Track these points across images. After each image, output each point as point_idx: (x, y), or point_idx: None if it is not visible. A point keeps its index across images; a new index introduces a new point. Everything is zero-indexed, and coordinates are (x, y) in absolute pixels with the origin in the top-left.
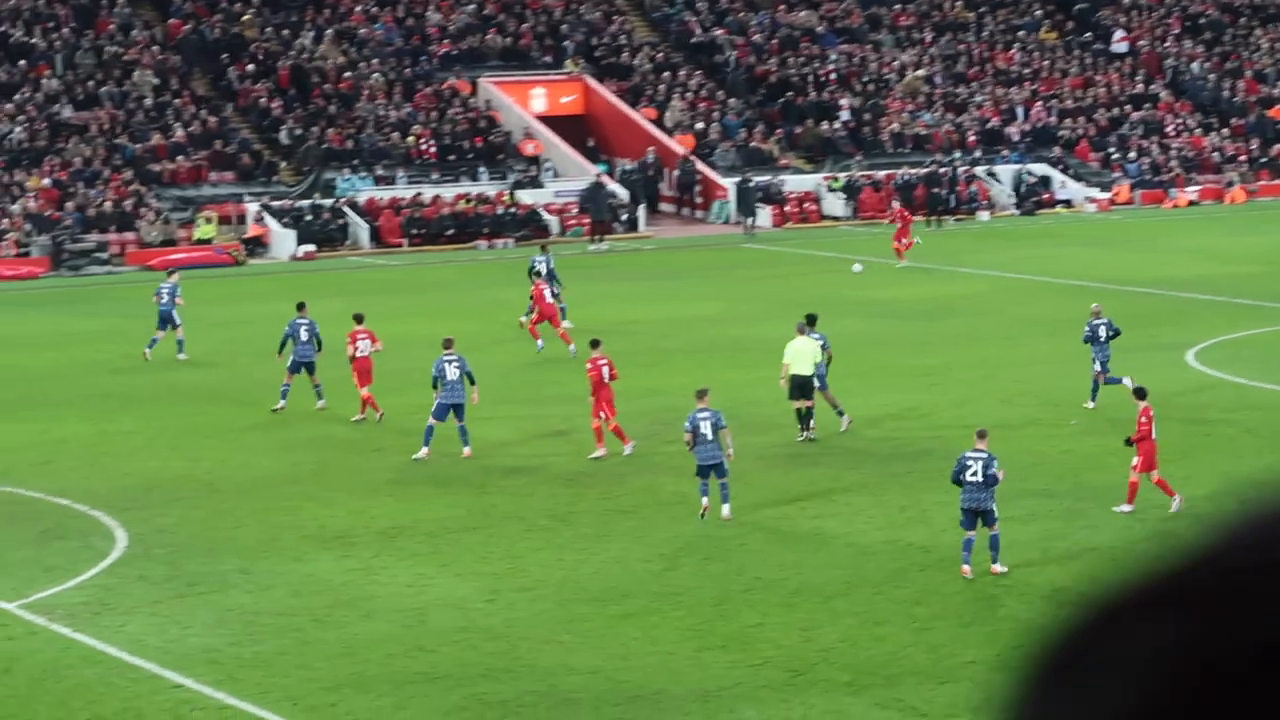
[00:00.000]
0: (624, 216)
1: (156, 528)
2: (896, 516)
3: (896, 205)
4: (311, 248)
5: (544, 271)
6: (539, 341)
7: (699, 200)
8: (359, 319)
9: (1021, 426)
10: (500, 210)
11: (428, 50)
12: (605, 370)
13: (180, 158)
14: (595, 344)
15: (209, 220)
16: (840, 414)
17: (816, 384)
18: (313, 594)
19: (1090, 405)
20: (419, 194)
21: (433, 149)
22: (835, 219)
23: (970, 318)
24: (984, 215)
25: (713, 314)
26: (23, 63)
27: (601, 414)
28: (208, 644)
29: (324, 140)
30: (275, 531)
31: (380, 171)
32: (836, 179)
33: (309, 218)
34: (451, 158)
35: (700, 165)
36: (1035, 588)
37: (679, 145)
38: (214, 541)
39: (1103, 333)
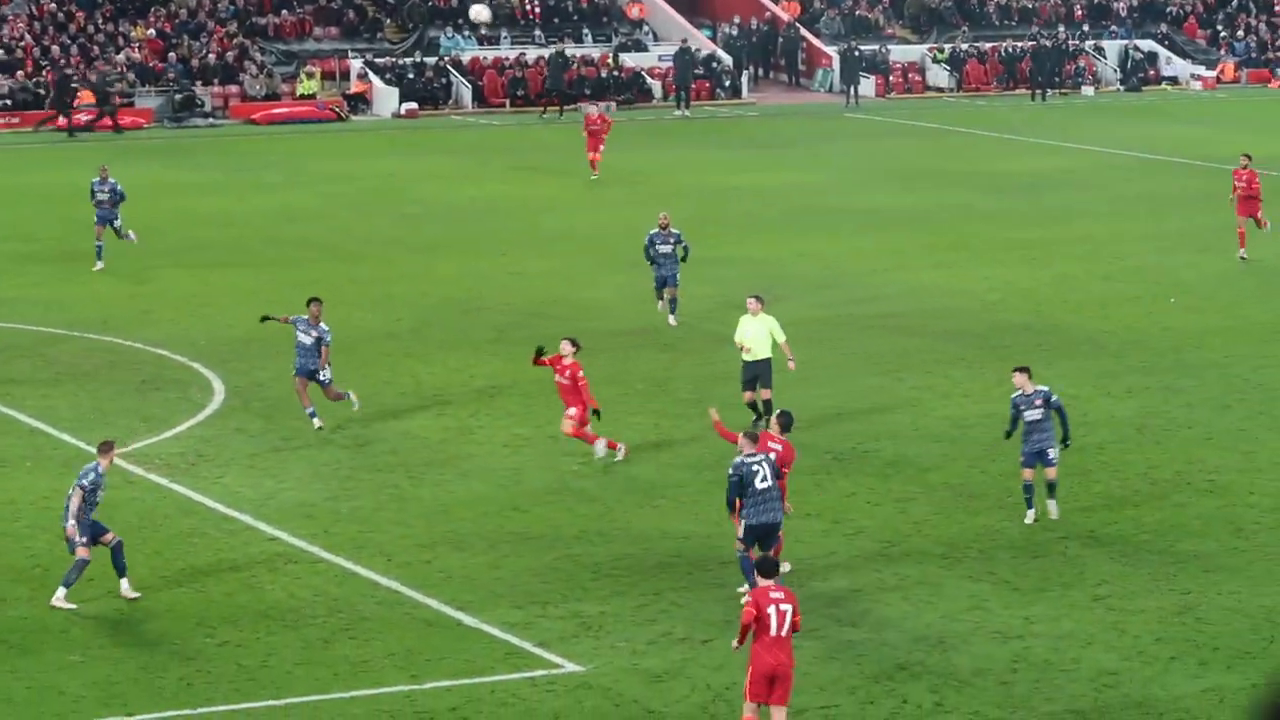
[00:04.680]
0: (726, 83)
1: (254, 381)
2: (994, 390)
3: (594, 111)
4: (414, 105)
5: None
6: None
7: (803, 68)
8: None
9: (1122, 303)
10: (603, 73)
11: None
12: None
13: (285, 12)
14: (577, 346)
15: (312, 75)
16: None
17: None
18: (409, 451)
19: None
20: (522, 54)
21: (537, 9)
22: (939, 90)
23: (1073, 193)
24: (1089, 90)
25: (813, 182)
26: None
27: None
28: (303, 498)
29: None
30: (374, 387)
31: (484, 31)
32: (942, 50)
33: (412, 75)
34: (556, 19)
35: (805, 32)
36: (1130, 464)
37: (785, 11)
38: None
39: None
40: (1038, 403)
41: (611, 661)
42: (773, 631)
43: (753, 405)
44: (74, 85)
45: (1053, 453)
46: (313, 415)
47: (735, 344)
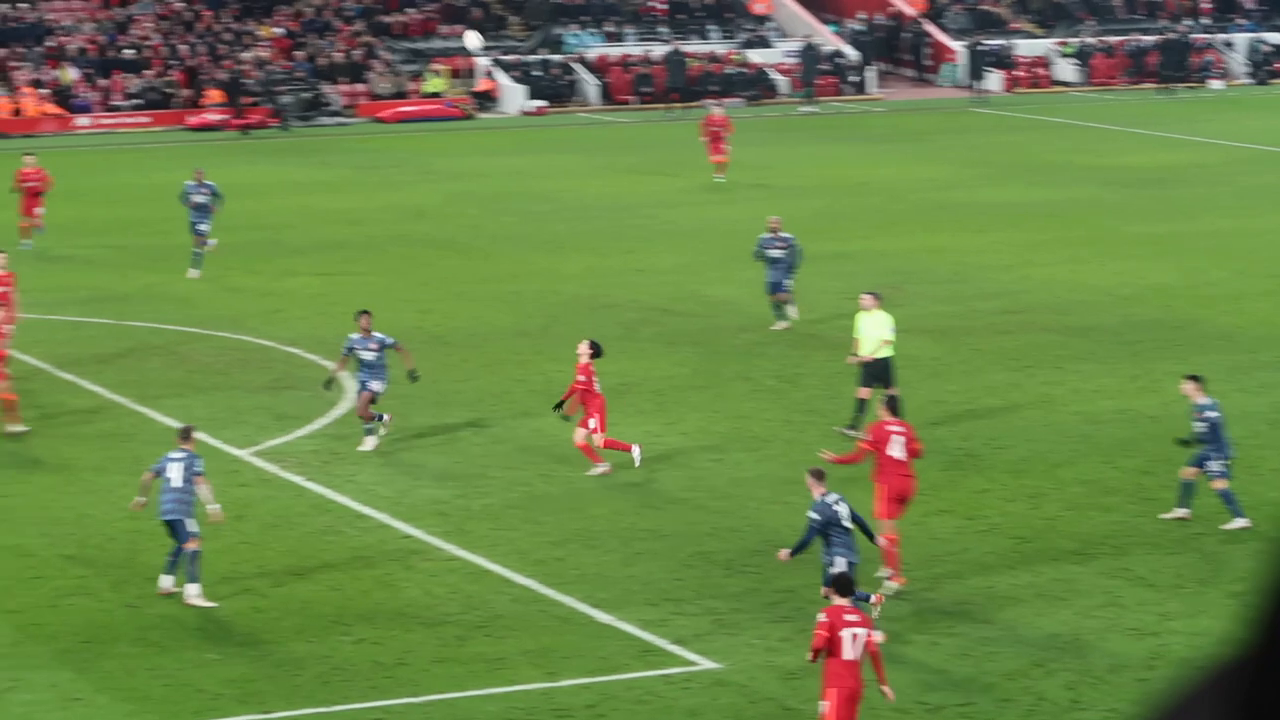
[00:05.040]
0: (852, 78)
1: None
2: (1127, 385)
3: (716, 112)
4: (541, 103)
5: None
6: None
7: (928, 63)
8: None
9: (1254, 298)
10: (729, 69)
11: None
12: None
13: (411, 10)
14: (596, 350)
15: (439, 73)
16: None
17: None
18: (539, 449)
19: None
20: (648, 51)
21: (663, 6)
22: (1066, 85)
23: (1202, 187)
24: (1217, 84)
25: (940, 178)
26: None
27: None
28: (436, 496)
29: None
30: (504, 385)
31: (610, 28)
32: (1068, 44)
33: (538, 73)
34: (681, 16)
35: (931, 27)
36: (1264, 459)
37: (910, 6)
38: (443, 394)
39: None
40: (1208, 414)
41: (747, 659)
42: (846, 655)
43: (860, 403)
44: (244, 84)
45: (1214, 466)
46: (381, 417)
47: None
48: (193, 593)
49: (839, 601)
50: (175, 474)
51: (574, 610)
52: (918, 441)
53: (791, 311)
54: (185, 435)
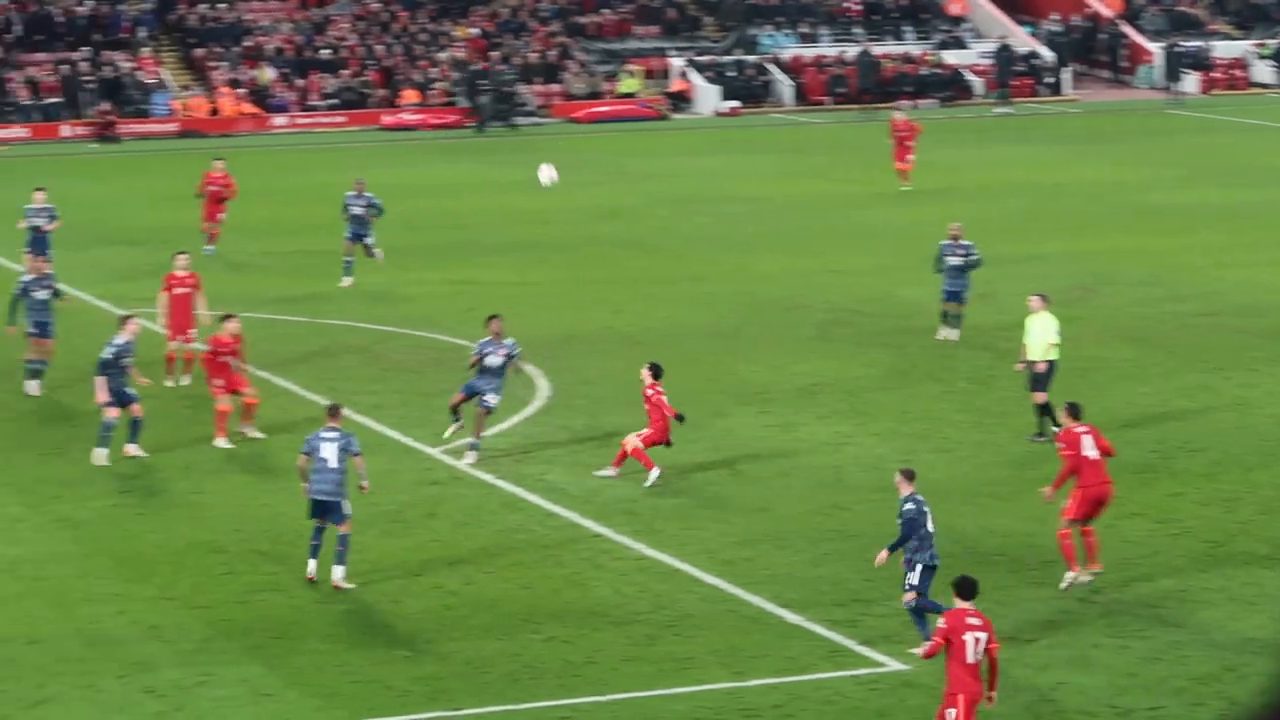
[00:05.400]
0: (1047, 79)
1: (579, 378)
2: None
3: (900, 116)
4: (735, 103)
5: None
6: None
7: (1124, 64)
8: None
9: None
10: (924, 70)
11: None
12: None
13: (606, 10)
14: (656, 372)
15: (633, 74)
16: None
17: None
18: (730, 449)
19: None
20: (842, 52)
21: (857, 6)
22: (1264, 86)
23: None
24: None
25: (1136, 179)
26: None
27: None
28: (626, 494)
29: None
30: (695, 385)
31: (804, 29)
32: (1266, 46)
33: (733, 73)
34: (876, 17)
35: (1127, 29)
36: None
37: (1106, 8)
38: (634, 394)
39: None
40: None
41: (935, 660)
42: (968, 658)
43: (1041, 407)
44: (480, 83)
45: None
46: (458, 422)
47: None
48: (339, 575)
49: (961, 605)
50: (330, 454)
51: (762, 610)
52: (1105, 439)
53: (954, 333)
54: (333, 413)
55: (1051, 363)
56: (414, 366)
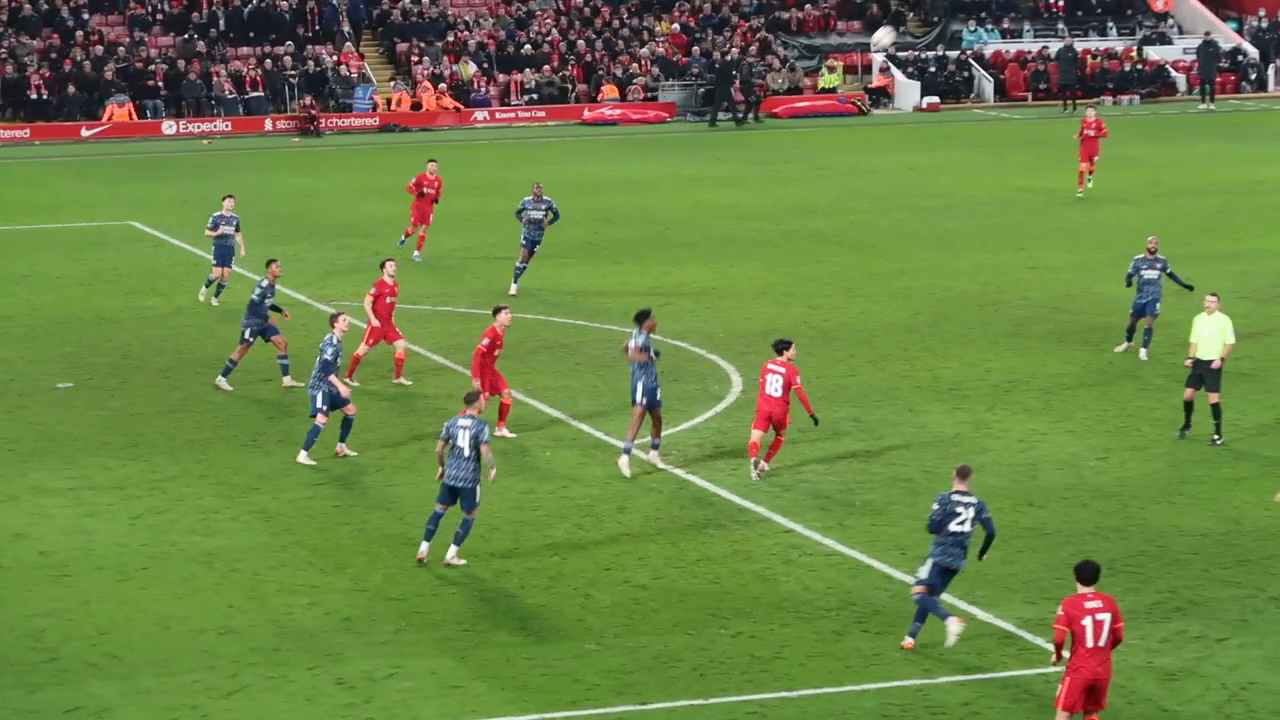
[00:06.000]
0: (1252, 75)
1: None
2: None
3: (1091, 115)
4: (935, 99)
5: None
6: None
7: None
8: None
9: None
10: (1127, 66)
11: None
12: (779, 380)
13: (808, 6)
14: (783, 346)
15: (834, 69)
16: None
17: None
18: (923, 445)
19: None
20: (1044, 47)
21: (1061, 2)
22: None
23: None
24: None
25: None
26: None
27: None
28: (817, 490)
29: None
30: (890, 381)
31: (1007, 24)
32: None
33: (934, 69)
34: (1079, 12)
35: None
36: None
37: None
38: (829, 389)
39: None
40: None
41: (1125, 659)
42: (1089, 643)
43: (1189, 405)
44: (732, 76)
45: None
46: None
47: (1192, 342)
48: (453, 554)
49: (1081, 589)
50: (465, 442)
51: (952, 607)
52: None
53: (1144, 351)
54: (470, 400)
55: (1220, 364)
56: (608, 361)
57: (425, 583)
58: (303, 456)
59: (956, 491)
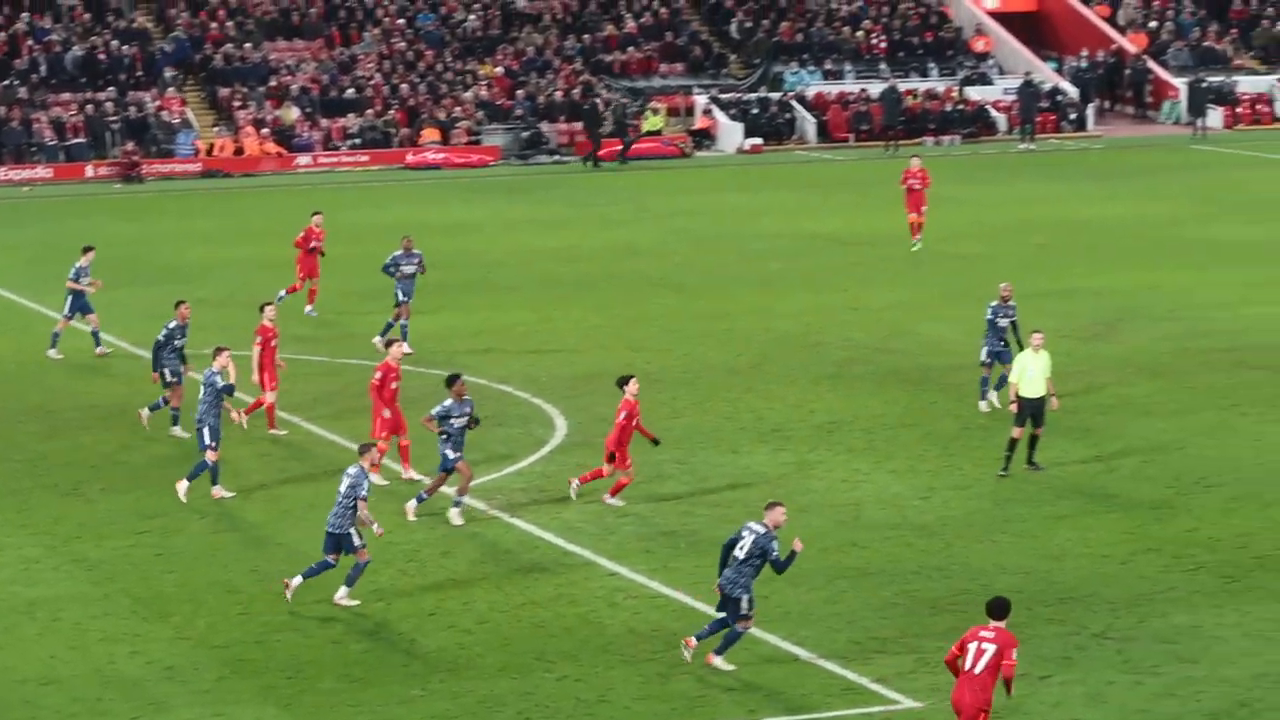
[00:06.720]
0: (1071, 115)
1: (596, 416)
2: None
3: (915, 164)
4: (758, 141)
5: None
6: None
7: (1149, 100)
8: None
9: None
10: (948, 106)
11: None
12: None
13: (631, 49)
14: (624, 381)
15: (657, 112)
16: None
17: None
18: (747, 486)
19: None
20: (865, 89)
21: (883, 44)
22: None
23: None
24: None
25: (1159, 215)
26: None
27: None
28: (642, 532)
29: (774, 33)
30: (713, 422)
31: (829, 66)
32: None
33: (756, 111)
34: (901, 54)
35: (1152, 64)
36: None
37: (1131, 43)
38: (653, 431)
39: None
40: None
41: (950, 698)
42: (965, 666)
43: (1014, 443)
44: (602, 116)
45: None
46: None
47: (1011, 381)
48: (342, 594)
49: (990, 622)
50: (341, 488)
51: (777, 648)
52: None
53: (993, 396)
54: (362, 450)
55: (1043, 399)
56: (432, 405)
57: (249, 630)
58: (181, 488)
59: (754, 522)
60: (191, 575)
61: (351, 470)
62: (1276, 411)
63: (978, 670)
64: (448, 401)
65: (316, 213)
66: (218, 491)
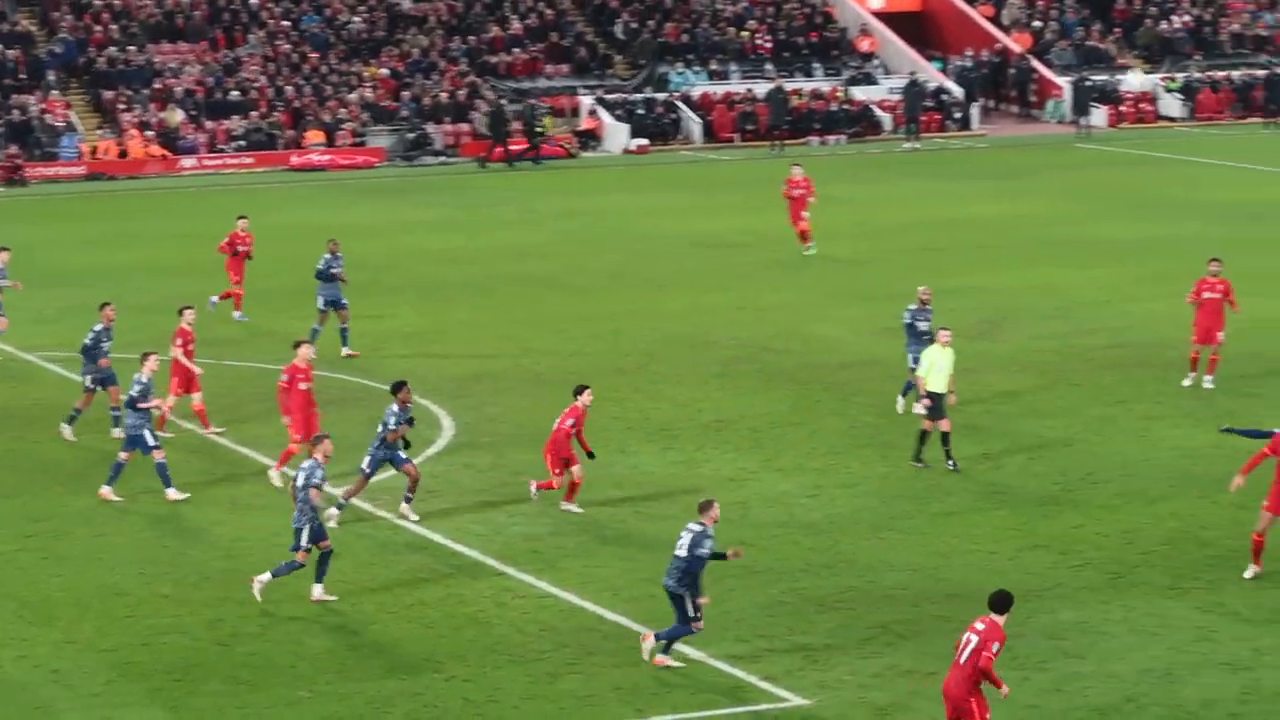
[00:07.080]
0: (956, 114)
1: (484, 416)
2: (1225, 421)
3: (798, 173)
4: (644, 141)
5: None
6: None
7: (1034, 99)
8: None
9: None
10: (833, 106)
11: None
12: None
13: (516, 50)
14: (580, 391)
15: (548, 114)
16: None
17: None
18: (635, 485)
19: None
20: (750, 89)
21: (768, 44)
22: (1171, 120)
23: None
24: None
25: (1043, 213)
26: None
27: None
28: (530, 533)
29: (659, 34)
30: (601, 422)
31: (714, 66)
32: (1174, 79)
33: (642, 111)
34: (786, 54)
35: (1036, 63)
36: None
37: (1016, 43)
38: (540, 431)
39: None
40: None
41: (838, 695)
42: (957, 656)
43: (925, 435)
44: (507, 117)
45: None
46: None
47: (919, 376)
48: (318, 591)
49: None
50: (299, 482)
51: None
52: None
53: (903, 403)
54: (315, 442)
55: (944, 395)
56: (319, 407)
57: (136, 633)
58: (171, 494)
59: (694, 522)
60: (78, 579)
61: (305, 464)
62: (1161, 408)
63: (963, 660)
64: (394, 407)
65: (242, 216)
66: (172, 494)
